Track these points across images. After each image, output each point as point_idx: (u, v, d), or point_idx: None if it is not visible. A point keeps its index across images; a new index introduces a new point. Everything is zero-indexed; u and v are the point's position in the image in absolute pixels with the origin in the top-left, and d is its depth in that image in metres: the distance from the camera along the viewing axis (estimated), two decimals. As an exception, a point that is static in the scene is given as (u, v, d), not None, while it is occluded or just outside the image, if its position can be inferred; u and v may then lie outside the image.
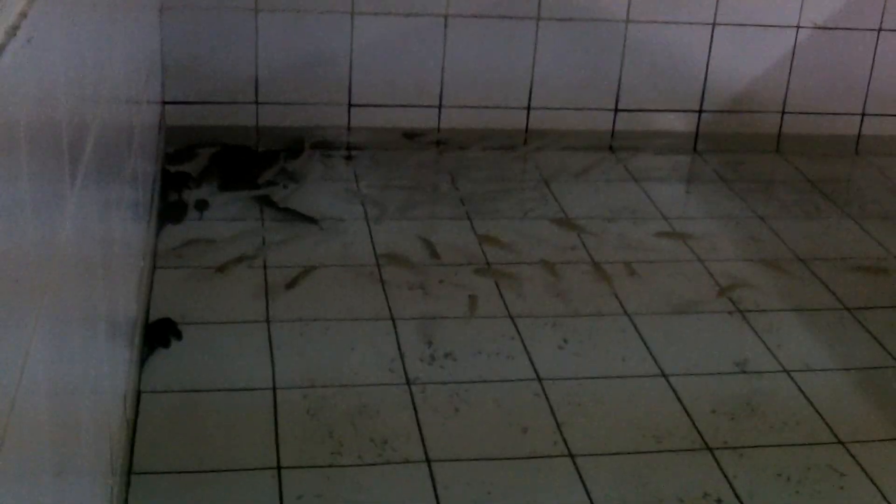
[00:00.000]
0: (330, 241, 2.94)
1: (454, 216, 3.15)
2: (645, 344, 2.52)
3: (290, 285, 2.65)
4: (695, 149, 3.80)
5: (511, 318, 2.60)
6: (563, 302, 2.69)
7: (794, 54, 3.73)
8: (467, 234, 3.03)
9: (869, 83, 3.81)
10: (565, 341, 2.52)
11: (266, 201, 3.12)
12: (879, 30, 3.75)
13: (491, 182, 3.40)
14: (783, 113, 3.81)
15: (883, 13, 3.72)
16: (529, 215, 3.18)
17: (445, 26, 3.51)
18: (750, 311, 2.70)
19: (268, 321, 2.51)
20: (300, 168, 3.36)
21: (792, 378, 2.42)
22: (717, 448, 2.16)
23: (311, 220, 3.04)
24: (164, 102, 3.42)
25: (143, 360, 2.31)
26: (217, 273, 2.70)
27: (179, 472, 2.00)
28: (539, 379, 2.35)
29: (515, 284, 2.75)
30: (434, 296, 2.68)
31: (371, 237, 2.96)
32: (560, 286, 2.77)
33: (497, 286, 2.74)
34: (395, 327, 2.52)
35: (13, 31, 1.01)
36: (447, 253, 2.89)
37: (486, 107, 3.62)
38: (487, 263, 2.86)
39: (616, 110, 3.71)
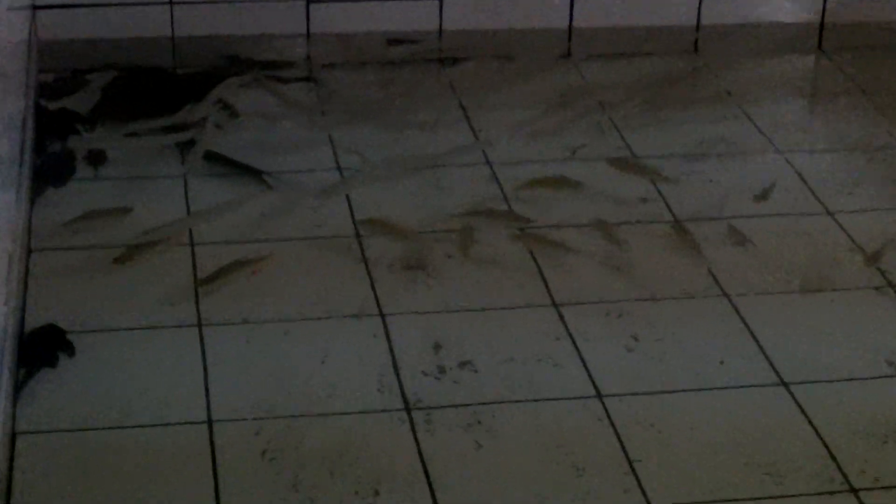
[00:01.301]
0: (286, 204, 2.93)
1: (467, 161, 3.14)
2: (754, 338, 2.51)
3: (208, 280, 2.63)
4: (819, 46, 3.78)
5: (556, 306, 2.59)
6: (631, 281, 2.69)
7: None
8: (488, 185, 3.02)
9: None
10: (636, 339, 2.51)
11: (191, 148, 3.12)
12: None
13: (520, 109, 3.39)
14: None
15: None
16: (578, 155, 3.17)
17: None
18: (907, 284, 2.70)
19: (199, 325, 2.52)
20: (239, 98, 3.36)
21: (972, 381, 2.42)
22: (864, 489, 2.16)
23: (258, 174, 3.03)
24: (35, 7, 3.41)
25: (18, 389, 2.31)
26: (122, 258, 2.69)
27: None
28: (599, 396, 2.35)
29: (561, 256, 2.74)
30: (440, 278, 2.68)
31: (347, 196, 2.96)
32: (625, 258, 2.77)
33: (534, 259, 2.74)
34: (384, 325, 2.52)
35: None
36: (458, 215, 2.88)
37: (510, -2, 3.62)
38: (519, 227, 2.85)
39: (701, -4, 3.70)
